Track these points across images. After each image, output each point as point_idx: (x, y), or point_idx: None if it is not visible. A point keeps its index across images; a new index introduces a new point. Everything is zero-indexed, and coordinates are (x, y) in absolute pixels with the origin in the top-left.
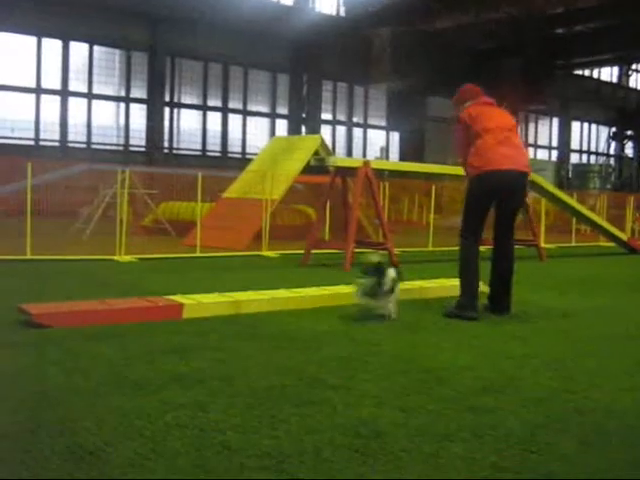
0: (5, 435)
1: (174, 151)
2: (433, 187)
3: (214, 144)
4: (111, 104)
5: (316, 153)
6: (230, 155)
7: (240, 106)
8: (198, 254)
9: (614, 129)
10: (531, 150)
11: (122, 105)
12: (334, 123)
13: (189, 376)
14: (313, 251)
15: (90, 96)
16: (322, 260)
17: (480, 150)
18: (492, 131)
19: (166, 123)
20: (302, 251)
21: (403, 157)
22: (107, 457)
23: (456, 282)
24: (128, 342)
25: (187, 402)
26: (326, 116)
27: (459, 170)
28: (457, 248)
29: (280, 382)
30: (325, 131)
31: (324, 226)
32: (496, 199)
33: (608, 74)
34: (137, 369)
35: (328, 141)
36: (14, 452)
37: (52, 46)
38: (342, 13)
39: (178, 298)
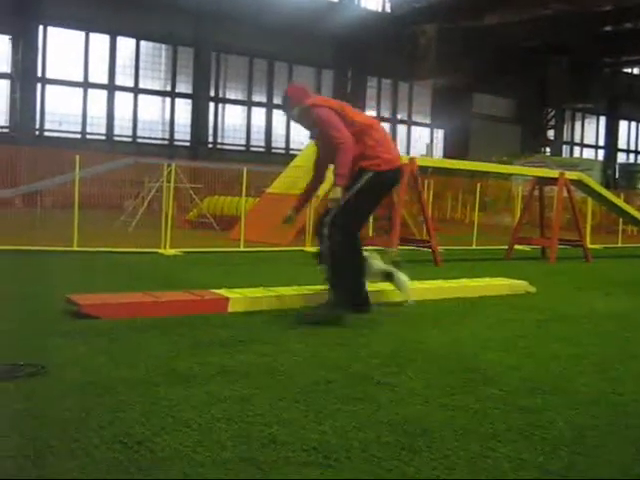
0: (54, 423)
1: (218, 146)
2: (478, 185)
3: (258, 139)
4: (157, 99)
5: None
6: (274, 150)
7: None
8: (242, 248)
9: None
10: (577, 149)
11: (167, 100)
12: (378, 119)
13: (235, 369)
14: None
15: (136, 91)
16: None
17: (384, 142)
18: (373, 126)
19: (211, 118)
20: None
21: (447, 154)
22: (155, 447)
23: (501, 281)
24: (174, 335)
25: (233, 395)
26: (370, 112)
27: (504, 168)
28: (499, 247)
29: (326, 377)
30: None
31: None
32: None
33: None
34: (184, 361)
35: None
36: (63, 440)
37: (100, 41)
38: (387, 9)
39: (224, 292)
